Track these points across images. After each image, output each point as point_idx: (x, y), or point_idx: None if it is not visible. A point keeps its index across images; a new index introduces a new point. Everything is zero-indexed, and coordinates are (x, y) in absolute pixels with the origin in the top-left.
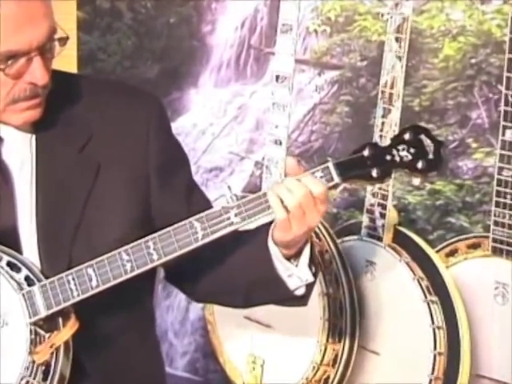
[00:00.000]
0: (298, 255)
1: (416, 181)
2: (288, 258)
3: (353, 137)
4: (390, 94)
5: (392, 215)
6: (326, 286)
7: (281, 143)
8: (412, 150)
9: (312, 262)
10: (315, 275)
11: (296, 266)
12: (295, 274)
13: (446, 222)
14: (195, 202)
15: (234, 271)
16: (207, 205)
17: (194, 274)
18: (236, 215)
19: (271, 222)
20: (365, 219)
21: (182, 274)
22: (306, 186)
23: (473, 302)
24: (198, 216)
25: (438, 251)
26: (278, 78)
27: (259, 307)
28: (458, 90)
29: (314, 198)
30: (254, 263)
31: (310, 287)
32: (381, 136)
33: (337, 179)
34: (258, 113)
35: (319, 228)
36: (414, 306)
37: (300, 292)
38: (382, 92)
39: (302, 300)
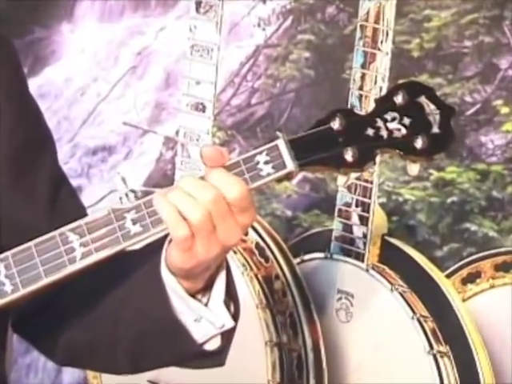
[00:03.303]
0: (207, 288)
1: (414, 168)
2: (193, 294)
3: (316, 99)
4: (375, 32)
5: (378, 220)
6: (276, 331)
7: (204, 109)
8: (407, 121)
9: (230, 297)
10: (235, 317)
11: (206, 304)
12: (205, 318)
13: (463, 231)
14: (62, 207)
15: (113, 316)
16: (81, 211)
17: (51, 320)
18: (134, 222)
19: (165, 238)
20: (336, 227)
21: (33, 319)
22: (215, 186)
23: (502, 352)
24: (75, 225)
25: (450, 275)
26: (198, 6)
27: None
28: (480, 23)
29: (229, 205)
30: (141, 303)
31: (228, 337)
32: (360, 97)
33: (291, 165)
34: (168, 61)
35: (265, 242)
36: (414, 361)
37: (213, 345)
38: (362, 28)
39: (217, 358)
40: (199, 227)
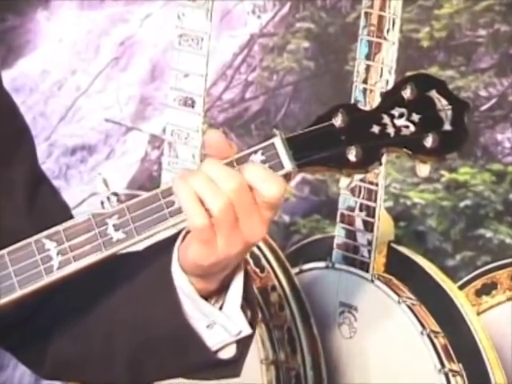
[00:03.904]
0: (222, 291)
1: (423, 168)
2: (206, 297)
3: (317, 93)
4: (380, 19)
5: (385, 226)
6: (272, 348)
7: (193, 104)
8: (416, 117)
9: (247, 301)
10: (253, 325)
11: (220, 309)
12: (219, 323)
13: (477, 237)
14: (42, 207)
15: (110, 323)
16: (64, 212)
17: (38, 328)
18: (117, 228)
19: (175, 237)
20: (338, 233)
21: (18, 329)
22: (242, 174)
23: None
24: (51, 231)
25: (463, 286)
26: None
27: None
28: (495, 10)
29: (256, 196)
30: (145, 307)
31: (244, 346)
32: (364, 91)
33: (289, 166)
34: (154, 52)
35: (261, 250)
36: (424, 380)
37: (228, 354)
38: (367, 15)
39: (232, 368)
40: (220, 217)
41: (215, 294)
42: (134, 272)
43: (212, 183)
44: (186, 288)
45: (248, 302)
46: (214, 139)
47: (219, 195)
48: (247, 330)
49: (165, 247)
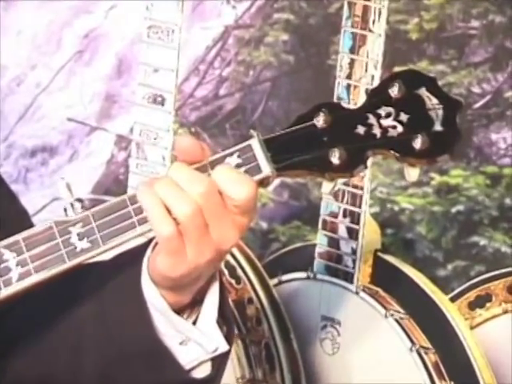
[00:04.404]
0: (196, 304)
1: (413, 172)
2: (179, 311)
3: (297, 90)
4: (365, 10)
5: (370, 234)
6: (249, 365)
7: (163, 102)
8: (404, 117)
9: (223, 315)
10: (229, 341)
11: (194, 324)
12: (193, 340)
13: (470, 245)
14: (1, 208)
15: (77, 336)
16: (23, 219)
17: None
18: (81, 237)
19: (146, 246)
20: (320, 241)
21: None
22: (212, 179)
23: None
24: (10, 240)
25: (455, 298)
26: None
27: None
28: (490, 0)
29: (226, 200)
30: (114, 321)
31: (220, 363)
32: (348, 88)
33: (267, 169)
34: (121, 45)
35: (236, 259)
36: None
37: (202, 373)
38: (350, 5)
39: None
40: (188, 224)
41: (189, 307)
42: (101, 284)
43: (178, 188)
44: (156, 302)
45: (224, 316)
46: (184, 145)
47: (185, 201)
48: (224, 347)
49: (134, 257)
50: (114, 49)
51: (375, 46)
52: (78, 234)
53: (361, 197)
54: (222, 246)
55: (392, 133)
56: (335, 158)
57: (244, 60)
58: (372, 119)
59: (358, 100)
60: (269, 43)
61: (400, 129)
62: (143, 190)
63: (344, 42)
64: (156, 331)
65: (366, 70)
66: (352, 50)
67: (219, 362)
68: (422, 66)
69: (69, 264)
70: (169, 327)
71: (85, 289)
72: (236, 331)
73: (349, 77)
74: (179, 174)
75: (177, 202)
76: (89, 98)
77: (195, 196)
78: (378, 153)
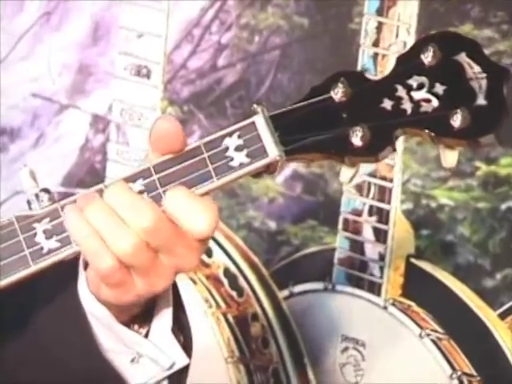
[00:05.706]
0: (147, 313)
1: (450, 157)
2: (127, 322)
3: (312, 59)
4: None
5: (402, 236)
6: None
7: (149, 74)
8: (440, 89)
9: (178, 323)
10: (187, 352)
11: (146, 336)
12: (146, 356)
13: None
14: None
15: (10, 364)
16: None
17: None
18: (49, 235)
19: None
20: (340, 245)
21: None
22: (159, 209)
23: None
24: None
25: (505, 315)
26: None
27: None
28: None
29: (181, 229)
30: (50, 341)
31: (179, 381)
32: (375, 57)
33: (274, 152)
34: (97, 5)
35: (238, 267)
36: None
37: None
38: None
39: None
40: (129, 261)
41: (138, 318)
42: (35, 295)
43: (116, 219)
44: (98, 313)
45: (179, 323)
46: (163, 131)
47: (125, 236)
48: (182, 361)
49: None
50: (87, 10)
51: (408, 7)
52: (45, 232)
53: (390, 191)
54: (179, 270)
55: (425, 108)
56: (357, 139)
57: (247, 24)
58: (401, 91)
59: (387, 71)
60: (278, 3)
61: (435, 103)
62: (72, 218)
63: (370, 2)
64: (100, 348)
65: (397, 36)
66: (380, 12)
67: (177, 379)
68: (465, 30)
69: (33, 268)
70: (116, 342)
71: (20, 298)
72: (238, 355)
73: (375, 44)
74: (119, 199)
75: (114, 236)
76: (58, 70)
77: (138, 230)
78: (409, 132)
